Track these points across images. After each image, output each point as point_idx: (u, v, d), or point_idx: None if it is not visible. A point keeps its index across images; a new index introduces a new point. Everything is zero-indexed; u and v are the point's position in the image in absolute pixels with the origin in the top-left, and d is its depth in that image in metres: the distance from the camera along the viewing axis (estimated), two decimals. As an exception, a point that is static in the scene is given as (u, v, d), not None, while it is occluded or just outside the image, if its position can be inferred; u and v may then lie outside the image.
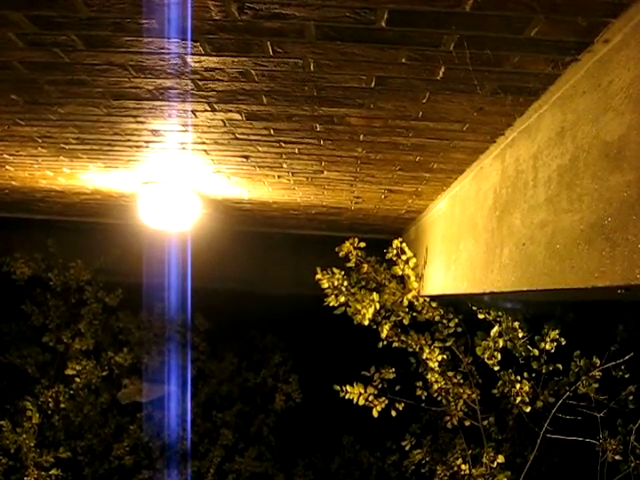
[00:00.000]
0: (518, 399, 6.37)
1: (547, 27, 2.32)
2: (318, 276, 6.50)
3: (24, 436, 9.14)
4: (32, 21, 2.54)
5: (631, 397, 6.48)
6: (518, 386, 6.35)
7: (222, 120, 3.77)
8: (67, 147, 4.66)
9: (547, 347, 6.19)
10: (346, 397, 6.65)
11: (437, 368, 6.61)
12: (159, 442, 10.81)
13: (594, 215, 2.42)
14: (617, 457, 6.46)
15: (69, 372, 9.89)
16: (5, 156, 5.08)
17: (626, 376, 6.41)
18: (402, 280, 6.47)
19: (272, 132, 3.96)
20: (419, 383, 7.05)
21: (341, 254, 6.51)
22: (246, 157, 4.63)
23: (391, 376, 6.89)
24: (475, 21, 2.33)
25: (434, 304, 6.48)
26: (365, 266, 6.56)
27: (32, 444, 9.17)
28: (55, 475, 9.19)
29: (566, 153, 2.74)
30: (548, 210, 2.93)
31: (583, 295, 3.20)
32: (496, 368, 6.30)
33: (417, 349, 6.61)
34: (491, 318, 6.14)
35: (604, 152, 2.36)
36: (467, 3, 2.19)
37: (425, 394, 7.00)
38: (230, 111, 3.60)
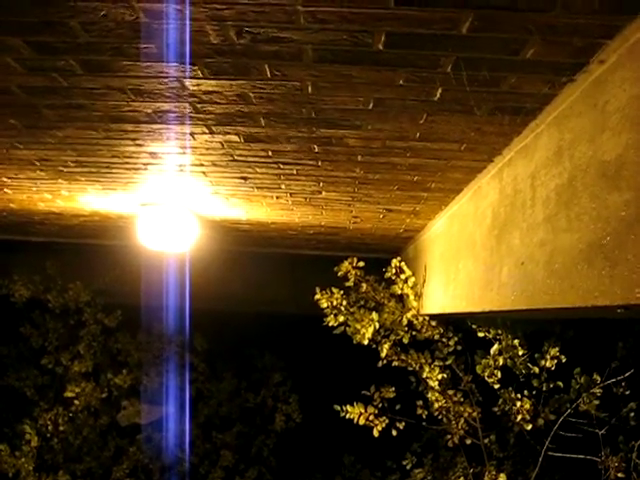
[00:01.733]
0: (519, 417, 6.34)
1: (543, 48, 2.34)
2: (317, 296, 6.49)
3: (23, 460, 9.08)
4: (31, 47, 2.55)
5: (632, 414, 6.45)
6: (519, 404, 6.33)
7: (220, 142, 3.78)
8: (65, 170, 4.67)
9: (547, 364, 6.17)
10: (346, 417, 6.62)
11: (437, 387, 6.59)
12: (159, 464, 10.75)
13: (593, 234, 2.43)
14: (620, 474, 6.43)
15: (68, 394, 9.83)
16: (4, 179, 5.09)
17: (627, 393, 6.39)
18: (401, 299, 6.47)
19: (270, 154, 3.98)
20: (419, 402, 7.02)
21: (340, 274, 6.51)
22: (244, 178, 4.64)
23: (391, 395, 6.86)
24: (472, 43, 2.35)
25: (433, 323, 6.47)
26: (364, 285, 6.56)
27: (31, 468, 9.12)
28: (55, 499, 9.15)
29: (564, 172, 2.75)
30: (547, 229, 2.94)
31: (583, 313, 3.20)
32: (496, 386, 6.28)
33: (417, 368, 6.59)
34: (491, 336, 6.13)
35: (602, 171, 2.37)
36: (463, 26, 2.21)
37: (426, 413, 6.97)
38: (228, 133, 3.61)
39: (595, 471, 6.59)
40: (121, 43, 2.49)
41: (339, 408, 6.62)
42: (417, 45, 2.39)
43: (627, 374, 6.27)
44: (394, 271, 6.34)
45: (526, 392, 6.37)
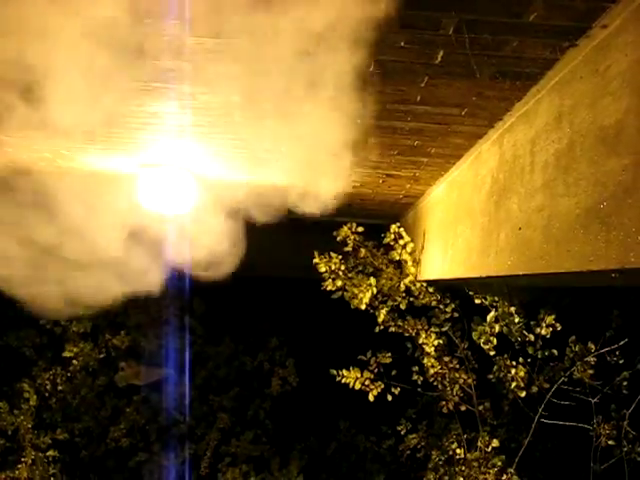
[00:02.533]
0: (513, 384, 6.39)
1: (546, 12, 2.33)
2: (315, 260, 6.51)
3: (21, 418, 9.18)
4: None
5: (625, 383, 6.51)
6: (513, 371, 6.38)
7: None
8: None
9: (543, 332, 6.21)
10: (342, 381, 6.68)
11: (433, 353, 6.64)
12: (155, 425, 10.86)
13: (590, 199, 2.44)
14: (610, 442, 6.51)
15: (66, 354, 9.91)
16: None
17: (620, 362, 6.44)
18: (399, 265, 6.49)
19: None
20: (415, 368, 7.07)
21: (339, 238, 6.53)
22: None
23: (387, 361, 6.91)
24: (474, 5, 2.34)
25: (431, 289, 6.49)
26: (362, 250, 6.59)
27: (29, 426, 9.22)
28: (52, 456, 9.24)
29: (563, 138, 2.75)
30: (545, 195, 2.95)
31: (579, 280, 3.22)
32: (492, 353, 6.32)
33: (413, 334, 6.63)
34: (487, 303, 6.16)
35: (601, 137, 2.38)
36: (466, -14, 2.20)
37: (421, 379, 7.03)
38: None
39: (587, 438, 6.67)
40: (122, -1, 2.48)
41: (335, 372, 6.67)
42: (419, 6, 2.38)
43: (621, 343, 6.32)
44: (393, 237, 6.36)
45: (521, 360, 6.42)
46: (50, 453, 9.22)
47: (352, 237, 6.51)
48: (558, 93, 2.86)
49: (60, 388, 9.96)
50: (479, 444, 6.69)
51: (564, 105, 2.77)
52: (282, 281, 10.80)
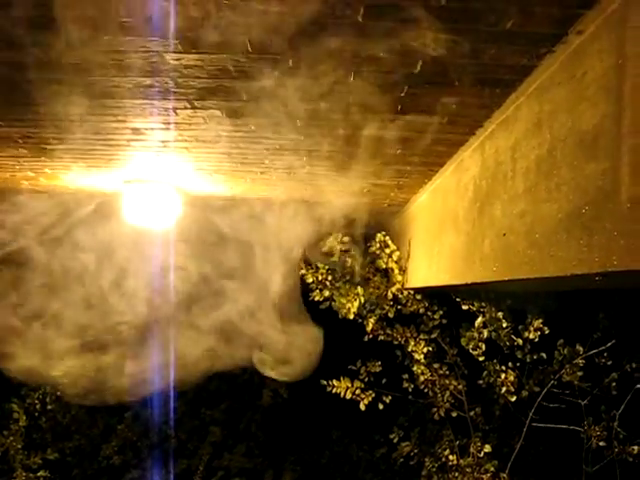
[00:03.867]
0: (504, 389, 6.42)
1: (522, 19, 2.35)
2: (302, 271, 6.52)
3: (11, 438, 9.10)
4: (11, 21, 2.54)
5: (614, 384, 6.54)
6: (503, 376, 6.40)
7: (203, 117, 3.78)
8: (48, 147, 4.65)
9: (531, 336, 6.24)
10: (333, 391, 6.68)
11: (423, 360, 6.65)
12: (147, 441, 10.80)
13: (571, 204, 2.46)
14: (601, 443, 6.54)
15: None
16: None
17: (609, 363, 6.48)
18: (386, 273, 6.51)
19: (253, 128, 3.98)
20: (405, 376, 7.08)
21: (325, 249, 6.54)
22: (228, 154, 4.64)
23: (377, 369, 6.92)
24: (451, 14, 2.36)
25: (418, 296, 6.51)
26: (349, 260, 6.60)
27: (19, 446, 9.13)
28: (43, 477, 9.17)
29: (544, 143, 2.77)
30: (527, 200, 2.97)
31: (563, 284, 3.24)
32: (481, 359, 6.34)
33: (402, 342, 6.65)
34: (475, 309, 6.18)
35: (580, 142, 2.40)
36: (443, -4, 2.22)
37: (412, 386, 7.03)
38: (211, 108, 3.61)
39: (578, 440, 6.69)
40: (102, 17, 2.48)
41: (325, 383, 6.68)
42: (396, 16, 2.39)
43: (609, 344, 6.35)
44: (379, 245, 6.37)
45: (510, 364, 6.44)
46: (41, 474, 9.13)
47: (338, 247, 6.52)
48: (537, 99, 2.89)
49: (50, 407, 9.89)
50: (471, 450, 6.70)
51: (543, 111, 2.79)
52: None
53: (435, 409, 6.92)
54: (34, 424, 9.81)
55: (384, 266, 6.38)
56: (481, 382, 6.62)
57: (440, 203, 5.05)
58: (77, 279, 7.59)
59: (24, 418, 9.36)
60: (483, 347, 6.24)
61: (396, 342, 6.68)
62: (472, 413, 7.03)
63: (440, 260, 4.93)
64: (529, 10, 2.30)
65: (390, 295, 6.41)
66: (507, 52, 2.65)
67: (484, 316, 6.13)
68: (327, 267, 6.59)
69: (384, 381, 6.95)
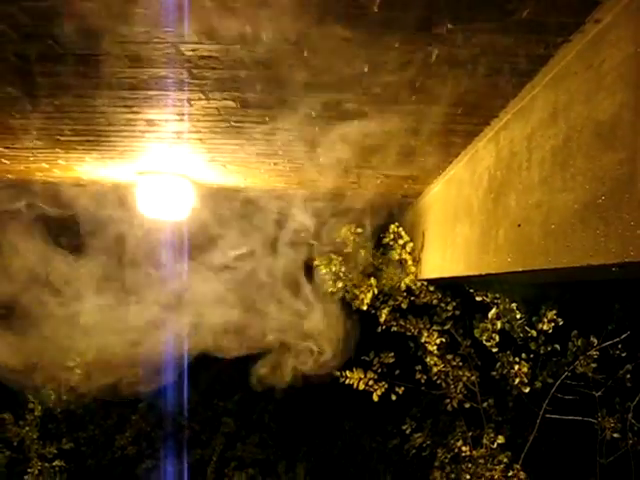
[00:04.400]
0: (517, 380, 6.40)
1: (538, 8, 2.34)
2: (316, 262, 6.53)
3: (27, 429, 9.17)
4: (26, 13, 2.55)
5: (628, 375, 6.52)
6: (517, 367, 6.39)
7: (217, 108, 3.78)
8: (62, 139, 4.67)
9: (545, 328, 6.22)
10: (346, 382, 6.69)
11: (436, 351, 6.65)
12: (161, 432, 10.86)
13: (588, 194, 2.45)
14: (615, 435, 6.52)
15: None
16: (0, 149, 5.09)
17: (623, 355, 6.46)
18: (400, 264, 6.50)
19: (267, 119, 3.97)
20: (418, 367, 7.08)
21: (338, 240, 6.54)
22: (241, 145, 4.64)
23: (390, 360, 6.93)
24: (467, 4, 2.34)
25: (432, 288, 6.50)
26: (362, 251, 6.60)
27: (35, 436, 9.20)
28: (58, 466, 9.23)
29: (559, 133, 2.76)
30: (543, 190, 2.95)
31: (579, 275, 3.22)
32: (494, 350, 6.33)
33: (416, 333, 6.64)
34: (489, 300, 6.16)
35: (596, 131, 2.39)
36: (459, -14, 2.21)
37: (425, 377, 7.04)
38: (225, 99, 3.61)
39: (592, 432, 6.68)
40: (117, 8, 2.48)
41: (339, 373, 6.69)
42: (412, 6, 2.39)
43: (623, 336, 6.33)
44: (392, 237, 6.37)
45: (524, 355, 6.43)
46: (56, 463, 9.20)
47: (352, 238, 6.53)
48: (553, 89, 2.87)
49: (64, 398, 9.94)
50: (484, 441, 6.70)
51: (559, 101, 2.78)
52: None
53: (448, 400, 6.92)
54: (49, 414, 9.88)
55: (397, 257, 6.38)
56: (494, 373, 6.61)
57: (454, 194, 5.03)
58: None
59: (39, 408, 9.42)
60: (497, 338, 6.23)
61: (409, 333, 6.68)
62: (485, 404, 7.02)
63: (454, 251, 4.92)
64: (545, -1, 2.28)
65: (403, 286, 6.40)
66: (523, 41, 2.64)
67: (498, 307, 6.11)
68: (341, 258, 6.60)
69: (397, 372, 6.95)
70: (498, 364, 6.52)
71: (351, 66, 3.02)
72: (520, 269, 3.31)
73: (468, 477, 6.61)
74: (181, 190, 5.86)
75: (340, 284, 6.48)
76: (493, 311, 6.14)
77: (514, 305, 6.08)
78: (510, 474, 6.37)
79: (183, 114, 3.94)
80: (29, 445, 9.16)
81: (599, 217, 2.35)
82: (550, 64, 2.82)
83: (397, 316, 6.64)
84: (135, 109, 3.86)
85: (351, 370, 6.71)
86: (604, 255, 2.32)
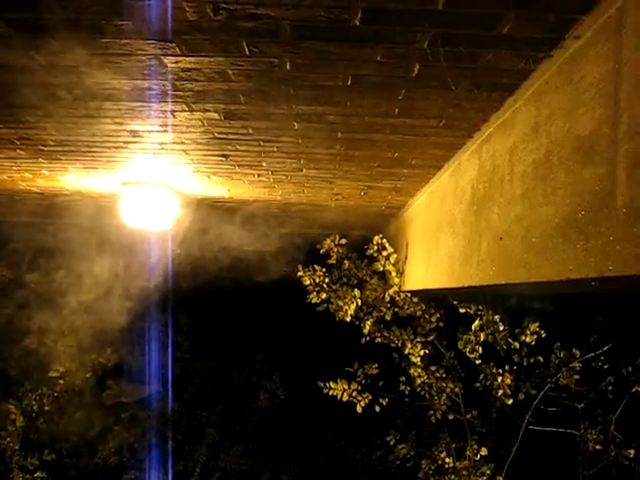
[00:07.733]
0: (500, 392, 6.43)
1: (518, 24, 2.35)
2: (300, 273, 6.53)
3: (8, 439, 9.09)
4: (8, 24, 2.54)
5: (610, 387, 6.56)
6: (500, 379, 6.41)
7: (200, 120, 3.78)
8: (46, 149, 4.65)
9: (527, 340, 6.25)
10: (330, 393, 6.68)
11: (420, 363, 6.66)
12: (144, 442, 10.80)
13: (568, 208, 2.46)
14: (598, 447, 6.55)
15: (53, 374, 9.84)
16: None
17: (605, 367, 6.50)
18: (383, 276, 6.51)
19: (251, 131, 3.98)
20: (402, 378, 7.09)
21: (322, 251, 6.55)
22: (225, 156, 4.64)
23: (374, 372, 6.93)
24: (448, 19, 2.36)
25: (415, 299, 6.52)
26: (346, 262, 6.61)
27: (16, 447, 9.13)
28: (40, 478, 9.16)
29: (541, 147, 2.77)
30: (524, 204, 2.97)
31: (560, 288, 3.24)
32: (478, 362, 6.36)
33: (399, 344, 6.65)
34: (472, 312, 6.19)
35: (577, 146, 2.40)
36: (439, 1, 2.22)
37: (408, 389, 7.05)
38: (208, 111, 3.61)
39: (574, 444, 6.70)
40: (99, 20, 2.48)
41: (322, 385, 6.68)
42: (394, 21, 2.40)
43: (605, 348, 6.37)
44: (376, 248, 6.38)
45: (507, 367, 6.45)
46: (38, 475, 9.13)
47: (335, 249, 6.53)
48: (535, 103, 2.89)
49: (47, 408, 9.88)
50: (468, 452, 6.71)
51: (541, 115, 2.80)
52: (267, 293, 10.76)
53: (432, 412, 6.93)
54: (31, 425, 9.81)
55: (381, 269, 6.38)
56: (478, 385, 6.63)
57: (437, 206, 5.05)
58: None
59: (21, 419, 9.35)
60: (480, 350, 6.25)
61: (393, 345, 6.69)
62: (469, 416, 7.04)
63: (437, 263, 4.93)
64: (526, 15, 2.30)
65: (387, 298, 6.41)
66: (504, 56, 2.65)
67: (481, 319, 6.14)
68: (324, 269, 6.60)
69: (381, 383, 6.96)
70: (482, 376, 6.54)
71: (334, 79, 3.03)
72: (502, 282, 3.32)
73: (451, 489, 6.62)
74: (165, 200, 5.85)
75: (324, 295, 6.48)
76: (476, 323, 6.17)
77: (497, 317, 6.11)
78: (493, 486, 6.39)
79: (167, 125, 3.93)
80: (10, 456, 9.08)
81: (579, 231, 2.36)
82: (531, 78, 2.84)
83: (381, 327, 6.65)
84: (118, 120, 3.85)
85: (335, 381, 6.70)
86: (584, 269, 2.33)
